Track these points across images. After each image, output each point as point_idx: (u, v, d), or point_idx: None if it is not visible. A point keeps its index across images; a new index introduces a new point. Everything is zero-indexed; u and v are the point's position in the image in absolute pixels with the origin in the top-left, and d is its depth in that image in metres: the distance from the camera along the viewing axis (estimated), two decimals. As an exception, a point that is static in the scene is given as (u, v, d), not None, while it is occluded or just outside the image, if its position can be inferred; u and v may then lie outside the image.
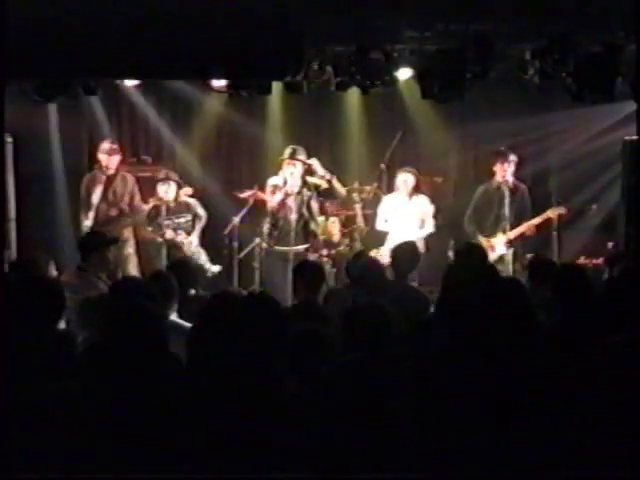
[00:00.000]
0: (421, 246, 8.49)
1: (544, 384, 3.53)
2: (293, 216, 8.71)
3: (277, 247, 8.79)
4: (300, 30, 6.76)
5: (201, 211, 9.17)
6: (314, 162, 8.87)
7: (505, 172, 8.96)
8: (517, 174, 9.13)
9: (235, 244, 9.08)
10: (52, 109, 9.51)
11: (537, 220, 8.97)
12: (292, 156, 8.71)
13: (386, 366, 3.88)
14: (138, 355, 3.55)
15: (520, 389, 3.50)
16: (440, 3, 7.39)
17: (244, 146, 10.42)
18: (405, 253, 6.77)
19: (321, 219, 9.14)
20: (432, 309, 5.27)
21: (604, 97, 7.95)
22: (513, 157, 9.02)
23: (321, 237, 9.09)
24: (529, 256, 8.77)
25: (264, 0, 6.89)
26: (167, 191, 9.00)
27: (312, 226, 8.88)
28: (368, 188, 9.52)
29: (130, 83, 9.18)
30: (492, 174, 9.13)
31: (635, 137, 8.00)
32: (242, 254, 9.14)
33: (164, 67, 6.91)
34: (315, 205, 8.86)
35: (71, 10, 6.37)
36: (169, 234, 8.92)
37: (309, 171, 8.85)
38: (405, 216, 9.13)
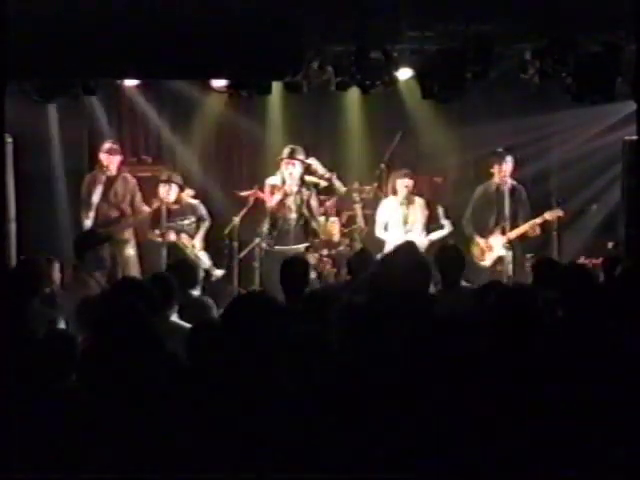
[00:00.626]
0: (423, 247, 8.47)
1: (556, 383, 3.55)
2: (292, 216, 8.72)
3: (277, 247, 8.79)
4: (300, 30, 6.77)
5: (205, 213, 9.12)
6: (313, 161, 8.86)
7: (503, 173, 8.95)
8: (517, 174, 9.12)
9: (235, 244, 9.09)
10: (52, 109, 9.49)
11: (537, 221, 8.95)
12: (291, 155, 8.70)
13: (386, 367, 3.87)
14: (132, 355, 3.55)
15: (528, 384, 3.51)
16: (440, 3, 7.40)
17: (244, 146, 10.42)
18: (451, 256, 5.86)
19: (321, 219, 9.13)
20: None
21: (604, 97, 7.96)
22: (509, 158, 9.01)
23: (321, 237, 9.08)
24: (529, 256, 8.78)
25: (264, 0, 6.90)
26: (168, 192, 8.98)
27: (313, 225, 8.88)
28: (368, 188, 9.50)
29: (130, 83, 9.17)
30: (491, 175, 9.13)
31: (635, 137, 7.97)
32: (242, 254, 9.13)
33: (164, 67, 6.93)
34: (315, 203, 8.86)
35: (71, 10, 6.39)
36: (172, 237, 8.89)
37: (309, 170, 8.84)
38: (406, 220, 9.07)
